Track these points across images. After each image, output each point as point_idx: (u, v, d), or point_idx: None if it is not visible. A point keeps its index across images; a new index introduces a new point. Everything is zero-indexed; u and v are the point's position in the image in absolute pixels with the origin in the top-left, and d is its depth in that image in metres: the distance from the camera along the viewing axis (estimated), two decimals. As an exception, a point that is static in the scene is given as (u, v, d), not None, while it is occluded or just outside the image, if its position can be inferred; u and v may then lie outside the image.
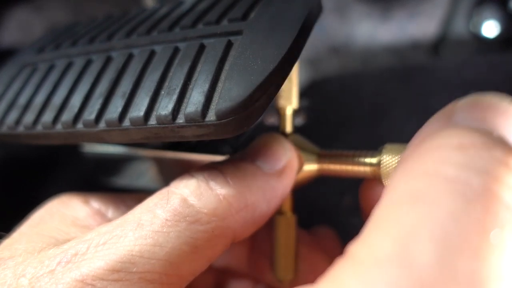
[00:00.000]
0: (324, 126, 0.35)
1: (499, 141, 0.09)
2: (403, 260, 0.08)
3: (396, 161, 0.17)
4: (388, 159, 0.18)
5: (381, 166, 0.18)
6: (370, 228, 0.09)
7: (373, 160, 0.18)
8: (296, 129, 0.21)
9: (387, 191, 0.10)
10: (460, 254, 0.08)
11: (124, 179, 0.26)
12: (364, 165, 0.19)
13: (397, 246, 0.08)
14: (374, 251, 0.09)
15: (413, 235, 0.08)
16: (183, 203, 0.15)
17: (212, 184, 0.16)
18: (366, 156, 0.19)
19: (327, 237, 0.25)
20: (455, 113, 0.11)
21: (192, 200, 0.16)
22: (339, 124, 0.36)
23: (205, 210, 0.16)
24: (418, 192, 0.09)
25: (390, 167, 0.17)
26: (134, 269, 0.14)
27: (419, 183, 0.09)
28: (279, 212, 0.21)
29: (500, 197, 0.09)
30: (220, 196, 0.16)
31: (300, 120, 0.22)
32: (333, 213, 0.31)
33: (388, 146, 0.18)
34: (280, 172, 0.18)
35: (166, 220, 0.15)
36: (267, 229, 0.19)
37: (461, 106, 0.11)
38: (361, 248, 0.09)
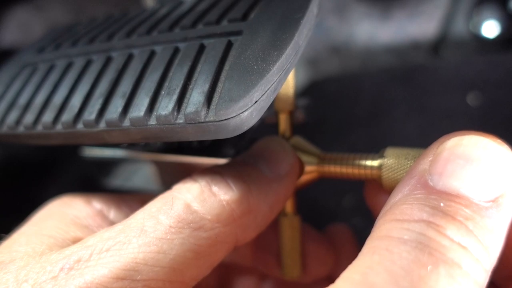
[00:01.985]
0: (324, 126, 0.35)
1: (437, 211, 0.13)
2: (367, 283, 0.12)
3: (397, 164, 0.17)
4: (389, 162, 0.18)
5: (382, 169, 0.18)
6: (346, 270, 0.13)
7: (374, 163, 0.18)
8: (296, 129, 0.21)
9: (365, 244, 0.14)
10: (405, 278, 0.12)
11: (125, 182, 0.26)
12: (365, 168, 0.19)
13: (363, 277, 0.12)
14: (347, 281, 0.13)
15: (372, 270, 0.12)
16: (187, 209, 0.15)
17: (215, 189, 0.16)
18: (367, 159, 0.19)
19: (342, 233, 0.25)
20: (428, 175, 0.14)
21: (196, 206, 0.16)
22: (339, 124, 0.36)
23: (209, 217, 0.15)
24: (375, 247, 0.13)
25: (391, 171, 0.18)
26: (139, 277, 0.14)
27: (376, 242, 0.13)
28: (283, 213, 0.21)
29: (431, 246, 0.12)
30: (224, 202, 0.16)
31: (299, 119, 0.22)
32: (333, 213, 0.31)
33: (389, 150, 0.18)
34: (282, 176, 0.18)
35: (170, 226, 0.15)
36: (271, 224, 0.19)
37: (431, 168, 0.14)
38: (339, 281, 0.13)
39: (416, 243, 0.12)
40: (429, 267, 0.12)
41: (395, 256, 0.12)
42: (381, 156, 0.18)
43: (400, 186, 0.15)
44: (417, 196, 0.14)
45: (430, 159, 0.14)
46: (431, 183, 0.14)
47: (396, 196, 0.14)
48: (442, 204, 0.13)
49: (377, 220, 0.14)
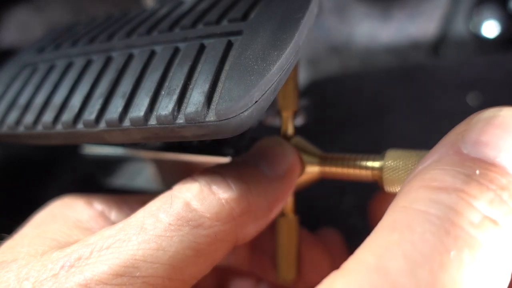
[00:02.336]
0: (324, 126, 0.35)
1: (469, 181, 0.12)
2: (381, 270, 0.11)
3: (398, 165, 0.17)
4: (390, 164, 0.18)
5: (383, 171, 0.18)
6: (360, 248, 0.12)
7: (376, 165, 0.18)
8: (296, 130, 0.21)
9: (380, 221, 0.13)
10: (424, 266, 0.11)
11: (125, 181, 0.26)
12: (366, 169, 0.19)
13: (377, 260, 0.11)
14: (360, 263, 0.12)
15: (389, 252, 0.11)
16: (186, 207, 0.15)
17: (215, 188, 0.16)
18: (368, 160, 0.19)
19: (332, 238, 0.25)
20: (462, 143, 0.13)
21: (195, 204, 0.16)
22: (339, 124, 0.36)
23: (208, 215, 0.16)
24: (396, 221, 0.12)
25: (392, 173, 0.18)
26: (138, 274, 0.14)
27: (398, 214, 0.12)
28: (281, 213, 0.21)
29: (460, 226, 0.11)
30: (223, 201, 0.16)
31: (300, 120, 0.22)
32: (333, 213, 0.31)
33: (390, 151, 0.18)
34: (282, 176, 0.18)
35: (169, 224, 0.15)
36: (269, 227, 0.19)
37: (465, 137, 0.13)
38: (351, 262, 0.12)
39: (443, 221, 0.11)
40: (452, 253, 0.11)
41: (416, 237, 0.11)
42: (382, 157, 0.18)
43: (430, 154, 0.14)
44: (451, 161, 0.13)
45: (463, 129, 0.13)
46: (465, 151, 0.13)
47: (425, 162, 0.13)
48: (477, 172, 0.12)
49: (403, 184, 0.13)
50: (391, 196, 0.19)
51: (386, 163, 0.18)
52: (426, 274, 0.11)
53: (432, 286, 0.11)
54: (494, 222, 0.12)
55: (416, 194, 0.12)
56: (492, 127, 0.13)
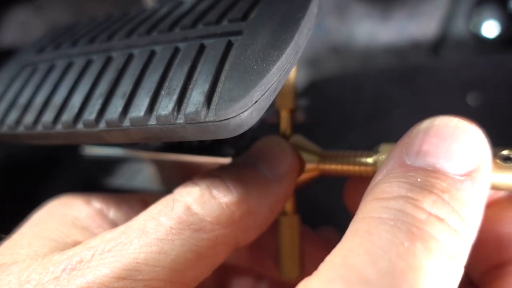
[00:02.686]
0: (324, 126, 0.35)
1: (414, 186, 0.14)
2: (347, 266, 0.12)
3: None
4: (383, 158, 0.18)
5: (377, 166, 0.18)
6: (329, 255, 0.13)
7: (369, 160, 0.18)
8: (296, 129, 0.21)
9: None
10: (384, 257, 0.12)
11: (123, 179, 0.26)
12: (363, 165, 0.19)
13: (344, 259, 0.13)
14: (330, 265, 0.13)
15: (353, 252, 0.13)
16: (187, 211, 0.16)
17: (215, 192, 0.16)
18: (366, 157, 0.19)
19: (331, 236, 0.25)
20: (405, 156, 0.15)
21: (196, 208, 0.16)
22: (339, 124, 0.36)
23: (209, 219, 0.16)
24: (357, 229, 0.13)
25: None
26: (139, 277, 0.14)
27: (357, 224, 0.14)
28: (282, 212, 0.21)
29: (410, 223, 0.13)
30: (223, 205, 0.16)
31: (300, 120, 0.22)
32: (333, 213, 0.31)
33: (383, 146, 0.18)
34: (282, 177, 0.18)
35: (171, 228, 0.15)
36: (269, 226, 0.19)
37: (408, 149, 0.15)
38: (322, 266, 0.13)
39: (395, 221, 0.13)
40: (406, 244, 0.12)
41: (374, 237, 0.13)
42: (376, 153, 0.18)
43: (380, 169, 0.15)
44: (396, 174, 0.14)
45: (406, 141, 0.15)
46: (408, 162, 0.14)
47: (377, 178, 0.15)
48: (419, 179, 0.14)
49: (361, 201, 0.15)
50: (361, 184, 0.19)
51: (379, 157, 0.18)
52: (386, 263, 0.12)
53: (392, 272, 0.12)
54: (439, 219, 0.13)
55: (370, 205, 0.14)
56: (429, 136, 0.14)
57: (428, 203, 0.13)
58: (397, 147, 0.15)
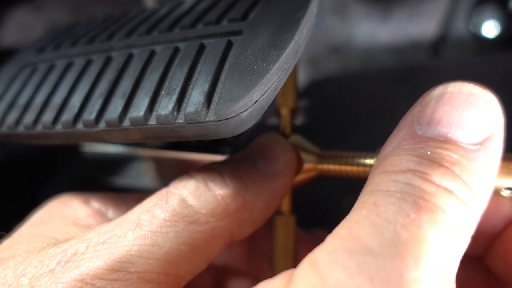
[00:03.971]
0: (324, 126, 0.35)
1: (424, 159, 0.13)
2: (352, 236, 0.12)
3: None
4: None
5: None
6: (336, 227, 0.13)
7: (371, 161, 0.18)
8: (296, 129, 0.21)
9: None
10: (389, 228, 0.12)
11: (124, 179, 0.26)
12: (362, 166, 0.19)
13: (349, 230, 0.13)
14: (335, 236, 0.13)
15: (359, 223, 0.13)
16: (182, 204, 0.16)
17: (211, 185, 0.16)
18: (365, 158, 0.19)
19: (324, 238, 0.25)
20: (416, 125, 0.14)
21: (191, 200, 0.16)
22: (339, 124, 0.36)
23: (204, 211, 0.16)
24: (364, 202, 0.13)
25: None
26: (133, 269, 0.14)
27: (365, 197, 0.14)
28: (278, 212, 0.21)
29: (418, 195, 0.13)
30: (219, 197, 0.16)
31: (300, 120, 0.22)
32: (333, 213, 0.31)
33: None
34: (279, 173, 0.18)
35: (165, 220, 0.15)
36: (266, 227, 0.19)
37: (419, 118, 0.14)
38: (328, 237, 0.13)
39: (402, 194, 0.13)
40: (412, 215, 0.12)
41: (381, 209, 0.13)
42: (377, 154, 0.18)
43: (390, 139, 0.15)
44: (405, 146, 0.14)
45: (418, 109, 0.15)
46: (419, 132, 0.14)
47: (386, 149, 0.15)
48: (428, 152, 0.13)
49: (369, 175, 0.15)
50: None
51: None
52: (390, 233, 0.12)
53: (396, 242, 0.12)
54: (448, 191, 0.13)
55: (379, 178, 0.14)
56: (441, 104, 0.14)
57: (437, 176, 0.13)
58: (408, 115, 0.15)
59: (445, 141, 0.14)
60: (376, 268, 0.12)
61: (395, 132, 0.15)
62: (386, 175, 0.14)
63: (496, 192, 0.16)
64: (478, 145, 0.14)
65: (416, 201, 0.12)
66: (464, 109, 0.14)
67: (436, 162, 0.13)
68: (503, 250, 0.16)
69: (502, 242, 0.16)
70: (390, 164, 0.14)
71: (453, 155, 0.13)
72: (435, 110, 0.14)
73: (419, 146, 0.14)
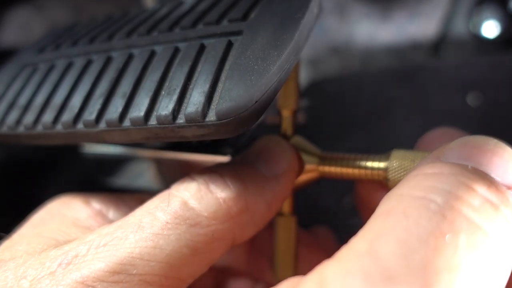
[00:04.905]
0: (324, 126, 0.35)
1: (467, 170, 0.12)
2: (372, 254, 0.11)
3: (405, 167, 0.17)
4: (396, 164, 0.18)
5: (389, 171, 0.18)
6: (354, 237, 0.12)
7: (381, 165, 0.18)
8: (296, 129, 0.21)
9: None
10: (417, 250, 0.10)
11: (124, 179, 0.26)
12: (366, 169, 0.18)
13: (369, 245, 0.11)
14: (352, 250, 0.11)
15: (382, 237, 0.11)
16: (184, 206, 0.16)
17: (213, 187, 0.16)
18: (368, 160, 0.19)
19: (325, 237, 0.25)
20: (444, 153, 0.13)
21: (193, 203, 0.16)
22: (339, 124, 0.36)
23: (206, 214, 0.16)
24: (391, 209, 0.12)
25: (398, 173, 0.17)
26: (134, 271, 0.14)
27: (393, 202, 0.12)
28: (279, 213, 0.21)
29: (458, 210, 0.11)
30: (220, 200, 0.16)
31: (300, 120, 0.22)
32: (333, 213, 0.31)
33: (395, 152, 0.18)
34: (280, 175, 0.18)
35: (167, 223, 0.15)
36: (267, 228, 0.19)
37: (450, 147, 0.13)
38: (343, 250, 0.12)
39: (441, 206, 0.11)
40: (447, 237, 0.10)
41: (411, 222, 0.11)
42: (387, 158, 0.18)
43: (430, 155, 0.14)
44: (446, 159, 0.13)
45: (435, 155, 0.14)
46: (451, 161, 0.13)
47: (427, 159, 0.13)
48: (474, 164, 0.12)
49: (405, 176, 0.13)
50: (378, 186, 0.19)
51: (392, 163, 0.18)
52: (419, 258, 0.10)
53: (425, 271, 0.10)
54: (495, 206, 0.11)
55: (415, 181, 0.12)
56: (469, 148, 0.13)
57: (484, 185, 0.11)
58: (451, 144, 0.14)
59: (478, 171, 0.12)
60: None
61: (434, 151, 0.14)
62: (424, 177, 0.12)
63: None
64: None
65: (456, 219, 0.11)
66: (492, 156, 0.12)
67: (483, 172, 0.12)
68: None
69: None
70: (431, 167, 0.12)
71: (496, 177, 0.12)
72: (461, 151, 0.13)
73: (453, 171, 0.12)
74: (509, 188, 0.12)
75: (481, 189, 0.11)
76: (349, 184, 0.22)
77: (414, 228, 0.11)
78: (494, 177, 0.12)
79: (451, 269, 0.10)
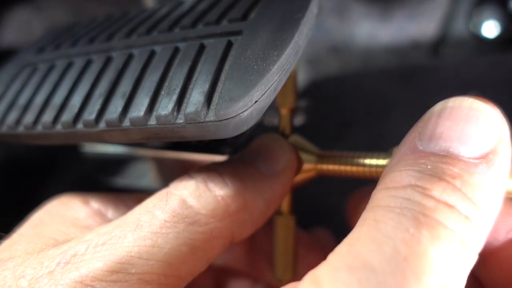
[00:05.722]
0: (324, 126, 0.35)
1: (424, 174, 0.13)
2: (353, 253, 0.12)
3: None
4: None
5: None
6: (338, 245, 0.13)
7: (382, 162, 0.18)
8: (296, 129, 0.21)
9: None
10: (388, 243, 0.12)
11: (124, 179, 0.26)
12: (362, 166, 0.18)
13: (350, 247, 0.13)
14: (337, 254, 0.13)
15: (359, 240, 0.13)
16: (182, 204, 0.16)
17: (211, 185, 0.16)
18: (364, 157, 0.19)
19: (325, 239, 0.25)
20: (418, 141, 0.14)
21: (191, 201, 0.16)
22: (339, 124, 0.36)
23: (204, 211, 0.16)
24: (365, 219, 0.13)
25: None
26: (133, 270, 0.14)
27: (366, 214, 0.14)
28: (278, 212, 0.21)
29: (416, 210, 0.13)
30: (219, 197, 0.16)
31: (300, 120, 0.22)
32: (333, 213, 0.31)
33: (396, 150, 0.18)
34: (279, 173, 0.18)
35: (165, 221, 0.15)
36: (266, 228, 0.19)
37: (421, 134, 0.14)
38: (330, 255, 0.13)
39: (401, 209, 0.13)
40: (411, 230, 0.12)
41: (381, 225, 0.13)
42: (388, 156, 0.18)
43: (394, 155, 0.15)
44: (407, 161, 0.14)
45: (420, 125, 0.15)
46: (421, 148, 0.14)
47: (390, 165, 0.15)
48: (429, 166, 0.13)
49: (373, 192, 0.15)
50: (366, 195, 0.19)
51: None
52: (390, 249, 0.12)
53: (397, 258, 0.12)
54: (449, 206, 0.13)
55: (379, 194, 0.14)
56: (442, 119, 0.14)
57: (438, 190, 0.13)
58: (411, 132, 0.15)
59: (446, 155, 0.13)
60: (377, 285, 0.12)
61: (398, 148, 0.15)
62: (386, 191, 0.14)
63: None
64: (480, 159, 0.13)
65: (416, 216, 0.12)
66: (465, 123, 0.14)
67: (437, 177, 0.13)
68: (500, 267, 0.16)
69: (500, 258, 0.16)
70: (391, 179, 0.14)
71: (454, 169, 0.13)
72: (436, 125, 0.14)
73: (420, 161, 0.14)
74: (481, 157, 0.13)
75: (435, 193, 0.13)
76: (349, 184, 0.22)
77: (383, 228, 0.13)
78: (464, 154, 0.13)
79: (418, 256, 0.12)
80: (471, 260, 0.13)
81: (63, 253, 0.15)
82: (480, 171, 0.13)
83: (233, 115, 0.14)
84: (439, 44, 0.43)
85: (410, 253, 0.12)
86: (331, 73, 0.46)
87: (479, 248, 0.13)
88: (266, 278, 0.24)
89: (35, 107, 0.20)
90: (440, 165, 0.13)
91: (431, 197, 0.13)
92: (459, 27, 0.42)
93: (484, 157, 0.13)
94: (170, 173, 0.23)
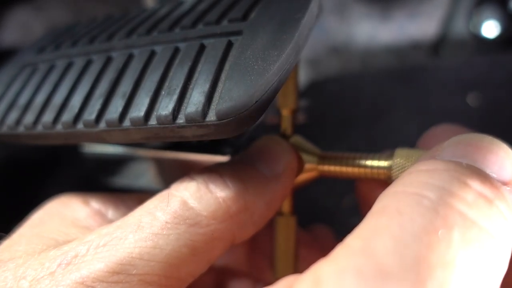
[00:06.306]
0: (324, 126, 0.35)
1: (461, 166, 0.12)
2: (366, 252, 0.11)
3: (409, 165, 0.17)
4: (400, 163, 0.17)
5: (393, 170, 0.18)
6: (349, 235, 0.12)
7: (384, 164, 0.18)
8: (296, 129, 0.21)
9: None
10: (411, 246, 0.10)
11: (124, 179, 0.26)
12: (364, 167, 0.18)
13: (364, 243, 0.11)
14: (347, 248, 0.11)
15: (376, 235, 0.11)
16: (183, 206, 0.16)
17: (212, 187, 0.16)
18: (366, 159, 0.18)
19: (324, 235, 0.25)
20: (439, 152, 0.13)
21: (192, 202, 0.16)
22: (339, 124, 0.36)
23: (205, 213, 0.16)
24: (386, 207, 0.12)
25: (403, 171, 0.17)
26: (134, 271, 0.14)
27: (388, 199, 0.12)
28: (279, 212, 0.21)
29: (451, 205, 0.11)
30: (220, 199, 0.16)
31: (300, 120, 0.22)
32: (333, 213, 0.31)
33: (399, 151, 0.18)
34: (280, 175, 0.18)
35: (166, 222, 0.15)
36: (267, 228, 0.19)
37: (445, 145, 0.13)
38: (338, 248, 0.12)
39: (434, 201, 0.11)
40: (440, 232, 0.10)
41: (405, 219, 0.11)
42: (390, 157, 0.18)
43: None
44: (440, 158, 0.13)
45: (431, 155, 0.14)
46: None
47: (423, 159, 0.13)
48: (465, 164, 0.12)
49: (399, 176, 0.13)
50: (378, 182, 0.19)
51: (396, 162, 0.18)
52: (412, 254, 0.10)
53: (418, 266, 0.10)
54: (489, 201, 0.11)
55: (408, 178, 0.12)
56: (463, 145, 0.13)
57: (478, 180, 0.11)
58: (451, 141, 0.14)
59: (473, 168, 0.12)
60: None
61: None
62: (419, 174, 0.12)
63: None
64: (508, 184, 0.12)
65: (449, 214, 0.11)
66: (487, 153, 0.12)
67: (477, 168, 0.12)
68: None
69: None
70: (426, 164, 0.12)
71: (495, 165, 0.12)
72: (456, 149, 0.13)
73: (447, 167, 0.12)
74: (504, 184, 0.12)
75: (475, 184, 0.11)
76: (349, 184, 0.22)
77: (407, 225, 0.11)
78: (489, 173, 0.12)
79: (444, 264, 0.10)
80: (504, 269, 0.11)
81: (64, 254, 0.15)
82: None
83: (234, 115, 0.14)
84: (439, 44, 0.43)
85: (436, 262, 0.10)
86: (331, 73, 0.46)
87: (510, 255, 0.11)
88: (267, 278, 0.24)
89: (35, 107, 0.20)
90: (482, 164, 0.12)
91: (471, 188, 0.11)
92: (459, 27, 0.42)
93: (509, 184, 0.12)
94: (170, 173, 0.23)
